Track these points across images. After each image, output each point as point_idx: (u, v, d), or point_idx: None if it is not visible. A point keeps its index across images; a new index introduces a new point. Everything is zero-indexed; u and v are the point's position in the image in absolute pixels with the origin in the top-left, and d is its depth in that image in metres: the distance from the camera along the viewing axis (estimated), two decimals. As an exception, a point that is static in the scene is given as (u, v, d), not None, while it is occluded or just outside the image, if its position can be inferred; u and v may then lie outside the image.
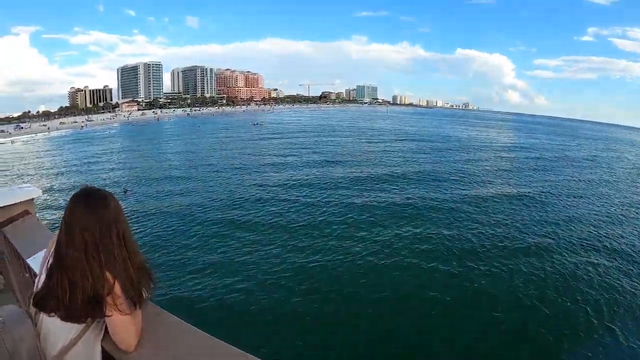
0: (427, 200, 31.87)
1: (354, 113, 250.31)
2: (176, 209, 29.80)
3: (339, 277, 18.35)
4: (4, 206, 5.30)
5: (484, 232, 24.63)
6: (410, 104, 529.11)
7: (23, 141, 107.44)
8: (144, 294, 2.42)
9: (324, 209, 28.99)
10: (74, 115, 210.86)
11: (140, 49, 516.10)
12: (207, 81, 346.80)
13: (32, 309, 2.44)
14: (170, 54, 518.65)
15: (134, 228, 24.76)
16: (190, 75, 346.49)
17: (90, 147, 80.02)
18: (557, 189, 39.81)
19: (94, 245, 2.23)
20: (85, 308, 2.25)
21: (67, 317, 2.28)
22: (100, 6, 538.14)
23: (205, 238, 23.40)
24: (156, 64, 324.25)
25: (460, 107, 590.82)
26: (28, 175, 50.35)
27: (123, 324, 2.29)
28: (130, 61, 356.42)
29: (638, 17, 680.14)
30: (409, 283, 17.74)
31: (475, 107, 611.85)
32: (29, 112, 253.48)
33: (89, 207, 2.30)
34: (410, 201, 31.33)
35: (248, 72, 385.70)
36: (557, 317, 15.46)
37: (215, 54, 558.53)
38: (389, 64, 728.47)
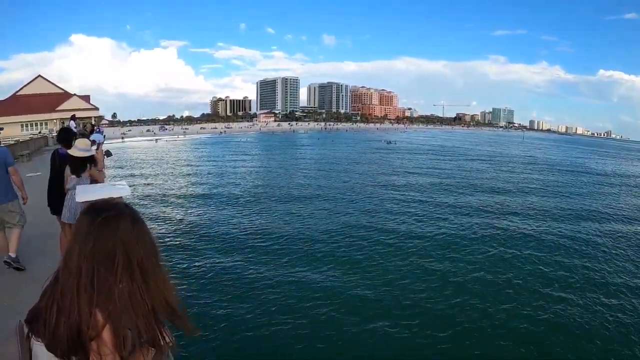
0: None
1: (489, 137, 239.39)
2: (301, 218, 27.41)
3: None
4: (93, 200, 4.82)
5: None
6: (548, 130, 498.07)
7: (166, 140, 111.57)
8: (161, 347, 1.92)
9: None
10: (214, 122, 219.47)
11: (278, 64, 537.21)
12: (341, 97, 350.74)
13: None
14: (306, 69, 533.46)
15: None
16: (325, 91, 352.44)
17: (224, 152, 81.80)
18: None
19: (88, 274, 1.82)
20: (68, 345, 1.81)
21: (49, 348, 1.85)
22: (243, 24, 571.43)
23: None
24: (293, 79, 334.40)
25: (602, 136, 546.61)
26: (152, 171, 50.43)
27: None
28: (270, 75, 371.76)
29: None
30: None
31: (618, 136, 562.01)
32: (173, 116, 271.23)
33: (92, 227, 1.89)
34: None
35: (383, 90, 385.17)
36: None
37: (350, 71, 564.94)
38: (526, 86, 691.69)
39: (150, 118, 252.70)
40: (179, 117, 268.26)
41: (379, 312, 14.37)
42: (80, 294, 1.78)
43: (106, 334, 1.76)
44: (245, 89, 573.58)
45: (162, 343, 1.90)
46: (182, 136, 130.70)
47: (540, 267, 19.84)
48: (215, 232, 23.76)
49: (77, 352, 1.78)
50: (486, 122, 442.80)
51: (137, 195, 33.44)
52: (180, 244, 21.51)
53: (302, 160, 68.81)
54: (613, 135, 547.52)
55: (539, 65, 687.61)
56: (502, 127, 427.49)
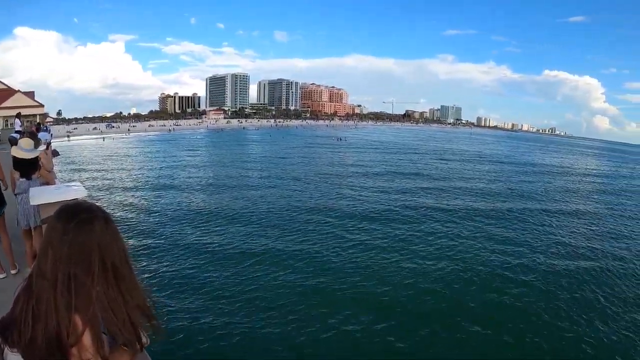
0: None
1: (437, 134, 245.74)
2: (251, 215, 28.47)
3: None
4: (49, 203, 5.46)
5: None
6: (495, 127, 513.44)
7: (112, 139, 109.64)
8: (138, 348, 1.92)
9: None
10: (162, 119, 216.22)
11: (228, 60, 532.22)
12: (291, 94, 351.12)
13: None
14: (257, 66, 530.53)
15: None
16: (275, 88, 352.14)
17: (174, 149, 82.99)
18: None
19: (65, 279, 1.75)
20: (47, 352, 1.76)
21: (26, 357, 1.79)
22: (193, 19, 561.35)
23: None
24: (243, 75, 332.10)
25: (547, 132, 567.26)
26: (103, 170, 49.97)
27: None
28: (219, 71, 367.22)
29: None
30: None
31: (562, 133, 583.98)
32: (121, 113, 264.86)
33: (66, 228, 1.82)
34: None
35: (333, 87, 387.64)
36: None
37: (301, 68, 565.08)
38: (474, 85, 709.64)
39: (97, 115, 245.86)
40: (126, 115, 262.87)
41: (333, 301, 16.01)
42: (58, 299, 1.70)
43: (86, 339, 1.71)
44: (195, 85, 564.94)
45: (139, 344, 1.87)
46: (127, 134, 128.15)
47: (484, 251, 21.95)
48: (171, 232, 24.04)
49: (55, 358, 1.71)
50: (435, 119, 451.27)
51: (90, 197, 33.10)
52: (140, 244, 21.65)
53: (254, 157, 69.95)
54: (557, 132, 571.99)
55: (487, 64, 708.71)
56: (450, 123, 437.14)
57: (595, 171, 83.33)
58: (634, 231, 30.29)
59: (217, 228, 24.80)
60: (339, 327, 14.27)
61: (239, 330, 13.58)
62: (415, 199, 37.23)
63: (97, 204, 1.54)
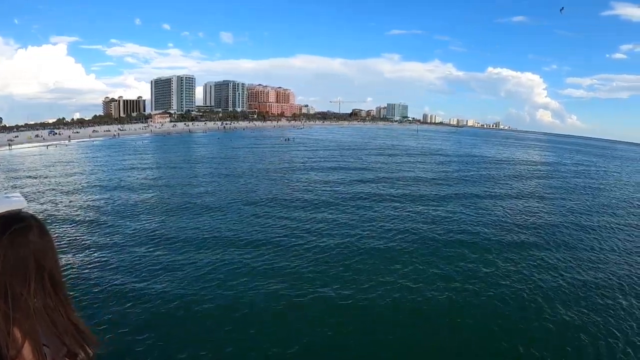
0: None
1: (384, 131, 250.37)
2: (202, 222, 29.32)
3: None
4: None
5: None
6: (441, 123, 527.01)
7: (55, 146, 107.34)
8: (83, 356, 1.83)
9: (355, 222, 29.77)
10: (107, 124, 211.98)
11: (174, 62, 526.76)
12: (238, 96, 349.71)
13: None
14: (203, 67, 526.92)
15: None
16: (222, 90, 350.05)
17: (120, 156, 79.94)
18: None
19: (1, 291, 1.69)
20: None
21: None
22: (137, 19, 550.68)
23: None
24: (189, 78, 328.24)
25: (492, 127, 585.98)
26: (46, 179, 49.28)
27: None
28: (165, 73, 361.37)
29: None
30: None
31: (506, 127, 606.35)
32: (64, 119, 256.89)
33: (0, 241, 1.76)
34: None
35: (279, 87, 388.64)
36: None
37: (247, 69, 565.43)
38: (420, 83, 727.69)
39: (39, 122, 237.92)
40: (69, 120, 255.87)
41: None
42: None
43: (27, 351, 1.66)
44: (139, 88, 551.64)
45: (83, 355, 1.81)
46: (68, 141, 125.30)
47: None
48: (115, 242, 24.77)
49: None
50: (381, 117, 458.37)
51: (32, 208, 33.18)
52: (86, 253, 22.40)
53: (203, 160, 70.89)
54: (502, 126, 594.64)
55: (432, 63, 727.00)
56: (396, 121, 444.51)
57: (536, 160, 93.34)
58: (564, 206, 39.15)
59: (168, 235, 26.08)
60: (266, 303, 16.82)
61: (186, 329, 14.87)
62: (360, 189, 42.26)
63: (32, 213, 1.51)
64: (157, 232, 26.15)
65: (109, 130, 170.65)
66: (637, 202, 44.13)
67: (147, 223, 28.35)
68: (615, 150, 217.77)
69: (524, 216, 33.66)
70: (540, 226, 30.43)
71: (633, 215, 37.12)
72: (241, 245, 23.31)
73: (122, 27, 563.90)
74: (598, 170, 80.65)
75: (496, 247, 24.57)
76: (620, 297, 18.35)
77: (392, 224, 28.93)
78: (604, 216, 35.61)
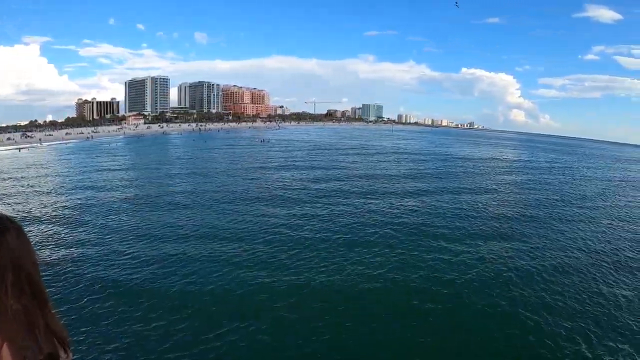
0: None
1: (359, 131, 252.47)
2: (181, 227, 29.75)
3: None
4: None
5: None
6: (415, 123, 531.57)
7: (27, 149, 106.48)
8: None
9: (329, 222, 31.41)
10: (80, 127, 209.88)
11: (148, 63, 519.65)
12: (213, 97, 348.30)
13: None
14: (177, 68, 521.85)
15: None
16: (196, 91, 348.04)
17: (94, 158, 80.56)
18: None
19: None
20: None
21: None
22: (111, 19, 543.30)
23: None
24: (163, 79, 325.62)
25: (466, 127, 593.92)
26: (19, 182, 49.71)
27: None
28: (139, 74, 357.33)
29: None
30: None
31: (480, 127, 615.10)
32: (36, 121, 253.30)
33: None
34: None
35: (254, 88, 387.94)
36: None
37: (222, 70, 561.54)
38: (395, 83, 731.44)
39: (11, 124, 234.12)
40: (42, 122, 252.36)
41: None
42: None
43: (5, 354, 1.62)
44: (113, 90, 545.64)
45: (61, 356, 1.82)
46: (39, 144, 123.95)
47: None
48: (90, 239, 25.87)
49: None
50: (357, 117, 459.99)
51: (6, 210, 33.66)
52: (63, 254, 23.24)
53: (178, 163, 70.83)
54: (476, 126, 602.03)
55: (407, 63, 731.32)
56: (372, 121, 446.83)
57: (505, 158, 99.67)
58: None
59: (145, 234, 26.89)
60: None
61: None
62: (332, 187, 46.05)
63: (9, 215, 1.67)
64: (132, 229, 27.51)
65: (82, 133, 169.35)
66: (595, 195, 51.09)
67: (121, 221, 29.62)
68: (583, 147, 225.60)
69: (490, 208, 38.24)
70: (508, 216, 35.25)
71: (590, 207, 42.53)
72: (219, 238, 24.91)
73: (96, 27, 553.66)
74: (564, 167, 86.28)
75: (464, 237, 28.34)
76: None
77: (361, 217, 32.47)
78: (567, 206, 41.75)
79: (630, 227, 34.74)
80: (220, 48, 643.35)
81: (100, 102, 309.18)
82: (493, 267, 22.19)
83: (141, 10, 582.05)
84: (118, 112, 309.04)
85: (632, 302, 19.04)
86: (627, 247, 28.56)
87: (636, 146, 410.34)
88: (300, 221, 30.33)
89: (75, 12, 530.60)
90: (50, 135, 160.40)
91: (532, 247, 26.48)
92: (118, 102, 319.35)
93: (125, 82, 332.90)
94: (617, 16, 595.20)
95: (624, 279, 22.06)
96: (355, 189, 44.36)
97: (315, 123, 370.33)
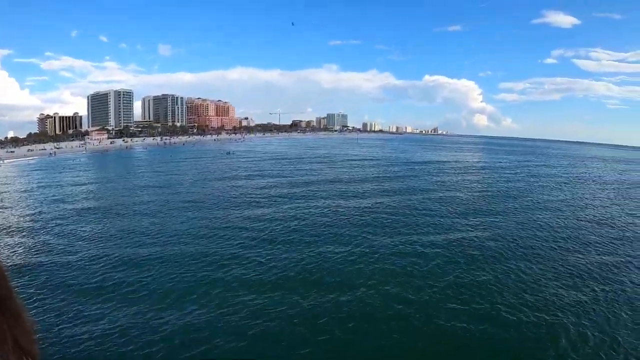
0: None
1: (324, 141, 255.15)
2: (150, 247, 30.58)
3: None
4: None
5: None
6: (380, 131, 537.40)
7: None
8: None
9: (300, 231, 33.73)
10: (43, 143, 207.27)
11: (111, 76, 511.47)
12: (177, 110, 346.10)
13: None
14: (141, 81, 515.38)
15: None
16: (161, 104, 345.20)
17: (58, 174, 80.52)
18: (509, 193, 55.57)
19: None
20: None
21: None
22: (74, 32, 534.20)
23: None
24: (127, 92, 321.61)
25: (430, 132, 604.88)
26: None
27: None
28: (102, 88, 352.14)
29: (598, 38, 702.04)
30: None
31: (444, 132, 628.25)
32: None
33: None
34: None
35: (219, 101, 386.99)
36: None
37: (187, 82, 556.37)
38: (359, 92, 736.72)
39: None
40: (3, 139, 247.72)
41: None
42: None
43: None
44: (76, 104, 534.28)
45: None
46: (9, 161, 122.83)
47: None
48: (55, 246, 27.54)
49: None
50: (322, 127, 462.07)
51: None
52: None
53: (144, 177, 72.05)
54: (440, 132, 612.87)
55: (371, 72, 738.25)
56: (337, 130, 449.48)
57: (464, 160, 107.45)
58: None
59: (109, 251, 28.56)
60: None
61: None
62: (295, 192, 50.55)
63: None
64: (96, 237, 29.55)
65: (45, 149, 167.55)
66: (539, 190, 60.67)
67: (85, 231, 31.59)
68: (541, 148, 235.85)
69: (447, 206, 44.95)
70: (462, 212, 41.93)
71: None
72: (180, 243, 27.43)
73: (58, 39, 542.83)
74: (516, 166, 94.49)
75: (427, 230, 33.84)
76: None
77: (325, 217, 37.32)
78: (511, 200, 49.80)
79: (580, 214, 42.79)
80: (184, 60, 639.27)
81: (62, 117, 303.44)
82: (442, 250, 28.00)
83: (104, 22, 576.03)
84: (81, 127, 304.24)
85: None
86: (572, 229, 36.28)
87: (595, 144, 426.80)
88: (261, 224, 33.34)
89: (37, 24, 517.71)
90: (12, 152, 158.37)
91: (479, 235, 32.84)
92: (81, 116, 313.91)
93: (88, 96, 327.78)
94: (575, 21, 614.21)
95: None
96: (322, 192, 47.76)
97: (280, 134, 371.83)
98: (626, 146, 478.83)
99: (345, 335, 17.16)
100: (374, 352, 16.21)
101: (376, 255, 26.04)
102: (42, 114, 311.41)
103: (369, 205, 42.68)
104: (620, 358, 15.93)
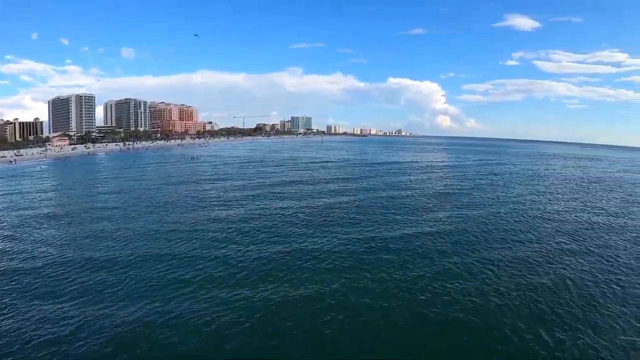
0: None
1: (289, 144, 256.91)
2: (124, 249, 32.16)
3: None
4: None
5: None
6: (345, 133, 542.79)
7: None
8: None
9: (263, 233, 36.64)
10: (3, 150, 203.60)
11: (73, 80, 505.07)
12: (140, 114, 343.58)
13: None
14: (104, 86, 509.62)
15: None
16: (123, 108, 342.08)
17: (18, 184, 79.77)
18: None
19: None
20: None
21: None
22: (35, 34, 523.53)
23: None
24: (88, 96, 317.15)
25: (394, 134, 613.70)
26: None
27: None
28: (63, 92, 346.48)
29: (558, 40, 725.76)
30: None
31: (408, 133, 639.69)
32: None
33: None
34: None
35: (182, 105, 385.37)
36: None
37: (150, 86, 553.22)
38: (323, 95, 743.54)
39: None
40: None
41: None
42: None
43: None
44: (37, 109, 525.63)
45: None
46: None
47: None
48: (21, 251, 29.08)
49: None
50: (286, 130, 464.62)
51: None
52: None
53: (107, 183, 74.68)
54: (403, 133, 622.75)
55: (335, 75, 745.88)
56: (301, 133, 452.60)
57: (426, 160, 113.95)
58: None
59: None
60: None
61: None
62: (260, 192, 55.49)
63: None
64: (59, 241, 30.94)
65: (5, 157, 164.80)
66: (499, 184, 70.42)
67: (48, 235, 32.73)
68: (501, 147, 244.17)
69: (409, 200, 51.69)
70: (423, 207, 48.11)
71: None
72: (143, 244, 29.40)
73: (18, 41, 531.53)
74: (481, 164, 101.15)
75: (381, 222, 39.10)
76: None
77: (290, 217, 40.83)
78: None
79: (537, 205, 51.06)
80: (147, 63, 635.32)
81: (23, 122, 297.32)
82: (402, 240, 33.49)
83: (65, 24, 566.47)
84: (42, 132, 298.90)
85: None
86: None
87: (557, 143, 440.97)
88: (226, 225, 36.02)
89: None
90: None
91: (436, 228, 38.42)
92: (42, 122, 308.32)
93: (49, 101, 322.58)
94: (535, 24, 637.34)
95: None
96: (285, 194, 50.42)
97: (245, 138, 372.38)
98: (587, 144, 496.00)
99: (312, 325, 20.13)
100: (332, 341, 19.09)
101: (337, 252, 28.79)
102: (1, 119, 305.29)
103: (331, 204, 46.44)
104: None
